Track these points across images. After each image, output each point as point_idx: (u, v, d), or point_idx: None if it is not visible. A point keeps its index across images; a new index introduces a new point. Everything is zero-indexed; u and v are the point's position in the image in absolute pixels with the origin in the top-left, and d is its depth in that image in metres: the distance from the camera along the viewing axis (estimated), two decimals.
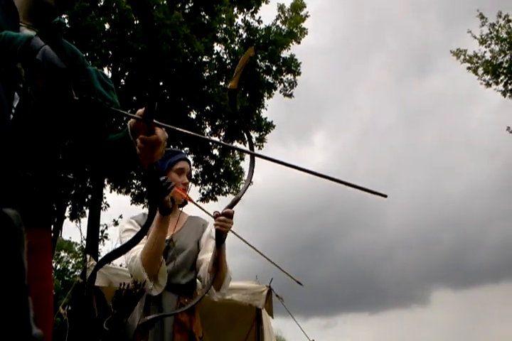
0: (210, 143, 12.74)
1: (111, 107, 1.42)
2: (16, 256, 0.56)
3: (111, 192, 13.29)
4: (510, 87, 13.12)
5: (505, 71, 12.92)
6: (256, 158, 2.08)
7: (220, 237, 2.23)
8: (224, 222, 2.21)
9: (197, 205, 2.42)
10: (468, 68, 13.41)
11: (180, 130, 1.37)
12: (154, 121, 1.33)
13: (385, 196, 1.61)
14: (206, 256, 2.37)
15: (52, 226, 1.54)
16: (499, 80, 13.16)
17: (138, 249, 2.29)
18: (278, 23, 11.25)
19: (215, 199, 13.12)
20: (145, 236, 2.31)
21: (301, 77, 12.00)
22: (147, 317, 2.11)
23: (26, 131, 1.40)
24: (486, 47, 13.13)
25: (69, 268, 19.46)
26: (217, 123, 12.50)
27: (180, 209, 2.61)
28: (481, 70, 13.24)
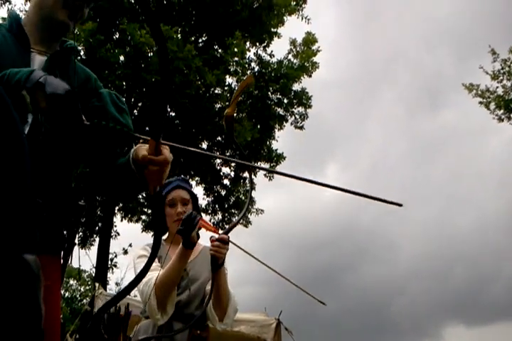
0: (221, 174, 12.84)
1: (124, 129, 1.46)
2: (34, 301, 0.57)
3: (121, 220, 13.35)
4: None
5: None
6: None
7: (216, 263, 2.23)
8: (218, 247, 2.22)
9: (217, 233, 2.39)
10: (480, 103, 13.45)
11: (187, 148, 1.42)
12: (161, 141, 1.38)
13: (401, 205, 1.63)
14: None
15: (62, 253, 1.56)
16: (511, 115, 13.16)
17: (153, 275, 2.27)
18: (290, 56, 11.43)
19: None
20: (158, 264, 2.37)
21: (315, 109, 12.13)
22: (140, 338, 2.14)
23: (37, 157, 1.42)
24: (498, 82, 13.20)
25: (77, 296, 19.42)
26: (228, 154, 12.59)
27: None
28: (493, 105, 13.28)
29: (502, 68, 13.00)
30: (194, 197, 2.59)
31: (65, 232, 1.53)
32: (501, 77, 13.02)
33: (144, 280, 2.20)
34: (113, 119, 1.52)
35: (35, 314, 0.55)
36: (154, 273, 2.26)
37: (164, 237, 2.64)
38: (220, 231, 2.34)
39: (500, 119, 13.37)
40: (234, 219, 13.30)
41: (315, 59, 11.38)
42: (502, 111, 13.19)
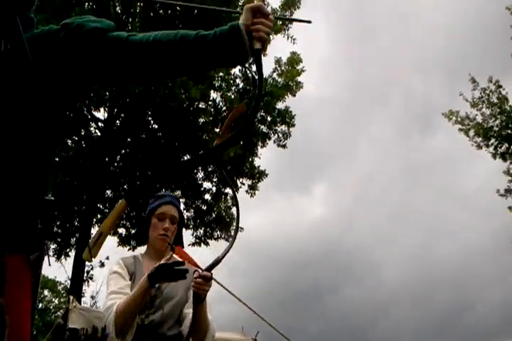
0: (202, 189, 12.87)
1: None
2: None
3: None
4: (500, 151, 13.34)
5: (495, 134, 13.17)
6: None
7: (198, 298, 2.19)
8: (200, 284, 2.16)
9: (199, 268, 2.26)
10: (460, 129, 13.70)
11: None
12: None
13: (309, 22, 1.68)
14: (191, 311, 2.27)
15: (32, 254, 1.41)
16: (490, 143, 13.40)
17: (116, 300, 2.24)
18: (274, 75, 11.63)
19: (207, 244, 13.11)
20: (129, 282, 2.34)
21: (304, 127, 12.28)
22: None
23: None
24: (477, 110, 13.47)
25: (51, 307, 19.14)
26: (210, 169, 12.66)
27: (171, 253, 2.48)
28: (472, 132, 13.52)
29: (481, 96, 13.29)
30: (182, 218, 2.57)
31: (34, 229, 1.37)
32: (480, 105, 13.31)
33: (108, 303, 2.23)
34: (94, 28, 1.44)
35: None
36: (117, 299, 2.23)
37: (142, 251, 2.60)
38: (203, 266, 2.25)
39: (479, 146, 13.61)
40: (215, 234, 13.31)
41: (299, 78, 11.59)
42: (481, 138, 13.44)
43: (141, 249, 2.82)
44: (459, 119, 13.65)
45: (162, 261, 2.17)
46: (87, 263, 12.56)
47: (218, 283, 2.27)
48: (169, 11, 9.28)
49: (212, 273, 2.20)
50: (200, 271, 2.19)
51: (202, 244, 13.03)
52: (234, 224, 13.32)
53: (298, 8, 10.91)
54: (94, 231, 12.96)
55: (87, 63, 1.45)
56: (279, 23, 10.73)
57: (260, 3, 1.46)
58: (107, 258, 14.43)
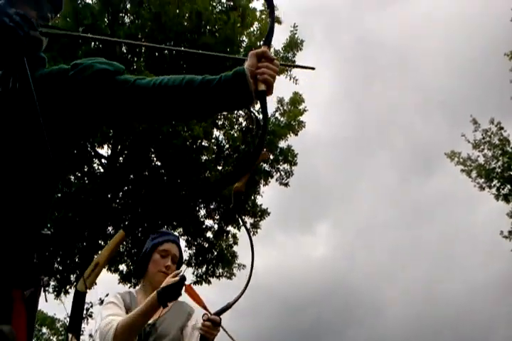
0: (204, 227, 12.87)
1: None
2: None
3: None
4: (502, 192, 13.29)
5: (497, 176, 13.16)
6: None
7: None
8: (209, 328, 2.17)
9: (208, 311, 2.27)
10: (462, 170, 13.70)
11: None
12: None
13: (313, 68, 1.70)
14: None
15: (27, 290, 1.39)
16: (492, 184, 13.37)
17: (116, 318, 2.22)
18: (277, 114, 11.80)
19: (209, 282, 13.00)
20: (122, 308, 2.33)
21: (306, 166, 12.36)
22: None
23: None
24: (479, 151, 13.52)
25: None
26: (212, 206, 12.68)
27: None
28: (474, 173, 13.52)
29: (483, 138, 13.36)
30: (181, 259, 2.59)
31: (30, 264, 1.34)
32: (482, 147, 13.36)
33: (106, 320, 2.21)
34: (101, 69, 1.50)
35: None
36: (117, 317, 2.21)
37: (137, 287, 2.61)
38: (212, 310, 2.26)
39: (482, 188, 13.57)
40: (217, 272, 13.20)
41: (301, 118, 11.75)
42: (483, 179, 13.43)
43: None
44: (461, 160, 13.68)
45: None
46: (86, 300, 12.45)
47: (224, 330, 2.22)
48: (174, 52, 9.53)
49: (221, 319, 2.19)
50: (210, 315, 2.18)
51: (204, 282, 12.92)
52: (236, 262, 13.25)
53: (300, 49, 11.16)
54: None
55: (94, 103, 1.48)
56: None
57: (265, 49, 1.48)
58: (107, 295, 14.25)
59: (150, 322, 2.29)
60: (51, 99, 1.44)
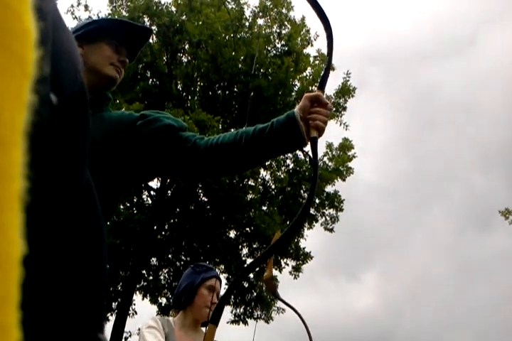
0: (245, 265, 12.88)
1: None
2: None
3: (142, 299, 13.36)
4: None
5: None
6: None
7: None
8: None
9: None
10: None
11: None
12: None
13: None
14: None
15: None
16: None
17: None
18: (325, 159, 11.88)
19: (246, 323, 12.91)
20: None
21: (356, 213, 12.29)
22: None
23: None
24: None
25: None
26: (254, 246, 12.72)
27: (204, 328, 2.48)
28: None
29: None
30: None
31: None
32: None
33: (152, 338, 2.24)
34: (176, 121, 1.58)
35: None
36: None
37: (175, 317, 2.61)
38: None
39: None
40: (256, 314, 13.06)
41: (350, 164, 11.77)
42: None
43: None
44: None
45: None
46: (125, 329, 12.59)
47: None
48: (227, 92, 9.89)
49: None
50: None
51: (241, 322, 12.82)
52: (275, 305, 13.10)
53: (352, 96, 11.30)
54: (136, 297, 13.09)
55: (154, 156, 1.54)
56: (333, 109, 11.13)
57: (319, 93, 1.46)
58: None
59: None
60: (116, 142, 1.51)
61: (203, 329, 2.44)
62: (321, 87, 1.51)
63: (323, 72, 1.55)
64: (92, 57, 1.57)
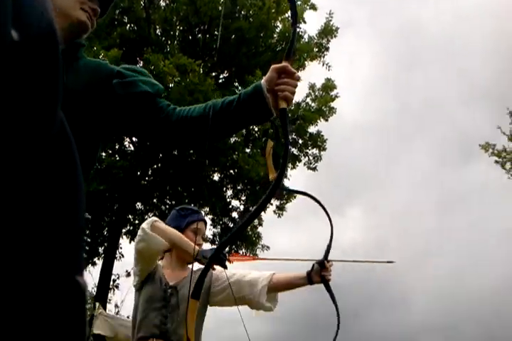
0: (230, 207, 13.04)
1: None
2: (83, 323, 0.56)
3: (130, 242, 13.49)
4: None
5: None
6: None
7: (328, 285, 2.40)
8: (330, 271, 2.40)
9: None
10: (496, 162, 13.50)
11: None
12: None
13: (392, 262, 1.71)
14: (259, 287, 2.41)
15: None
16: None
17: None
18: (308, 100, 11.76)
19: (231, 262, 13.19)
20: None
21: (339, 150, 12.33)
22: None
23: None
24: None
25: None
26: (239, 188, 12.81)
27: (190, 266, 2.55)
28: (508, 165, 13.31)
29: None
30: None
31: None
32: None
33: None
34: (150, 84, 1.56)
35: (82, 336, 0.55)
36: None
37: (163, 260, 2.63)
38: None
39: None
40: (241, 252, 13.36)
41: (332, 104, 11.69)
42: None
43: None
44: (495, 152, 13.46)
45: None
46: (113, 272, 12.81)
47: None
48: (207, 35, 9.56)
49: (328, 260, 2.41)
50: (318, 263, 2.38)
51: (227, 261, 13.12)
52: (260, 243, 13.40)
53: (335, 36, 11.04)
54: (122, 241, 13.24)
55: (127, 118, 1.55)
56: (315, 49, 10.89)
57: (286, 64, 1.46)
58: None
59: (172, 284, 2.37)
60: (96, 93, 1.50)
61: (189, 266, 2.52)
62: (288, 57, 1.51)
63: (289, 45, 1.54)
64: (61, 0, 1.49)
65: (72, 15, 1.48)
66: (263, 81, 1.46)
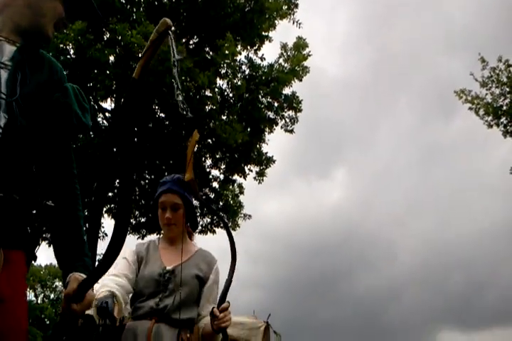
0: (210, 177, 12.84)
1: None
2: None
3: (112, 219, 13.24)
4: (510, 129, 13.22)
5: (505, 113, 13.07)
6: None
7: (225, 333, 2.27)
8: (225, 317, 2.21)
9: (227, 306, 2.32)
10: (470, 108, 13.58)
11: None
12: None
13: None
14: (206, 312, 2.31)
15: (27, 251, 1.49)
16: (500, 122, 13.28)
17: (109, 284, 2.19)
18: (281, 60, 11.47)
19: (214, 232, 13.11)
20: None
21: (324, 110, 12.14)
22: None
23: (10, 152, 1.39)
24: (487, 89, 13.33)
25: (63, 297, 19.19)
26: (217, 156, 12.60)
27: (190, 240, 2.56)
28: (482, 111, 13.40)
29: (491, 76, 13.14)
30: (187, 201, 2.48)
31: (29, 229, 1.47)
32: (490, 85, 13.17)
33: (102, 282, 2.14)
34: (76, 118, 1.56)
35: None
36: (113, 279, 2.22)
37: (153, 238, 2.61)
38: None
39: (490, 125, 13.49)
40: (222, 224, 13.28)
41: (305, 63, 11.44)
42: (491, 117, 13.32)
43: (153, 237, 2.97)
44: (469, 98, 13.52)
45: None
46: (98, 252, 12.59)
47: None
48: (173, 0, 9.13)
49: (229, 303, 2.26)
50: (215, 309, 2.21)
51: (209, 232, 13.02)
52: (242, 212, 13.33)
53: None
54: (104, 220, 12.97)
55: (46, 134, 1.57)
56: (285, 7, 10.56)
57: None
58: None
59: (169, 268, 2.32)
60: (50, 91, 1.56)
61: (190, 240, 2.56)
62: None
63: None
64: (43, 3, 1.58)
65: (43, 26, 1.58)
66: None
